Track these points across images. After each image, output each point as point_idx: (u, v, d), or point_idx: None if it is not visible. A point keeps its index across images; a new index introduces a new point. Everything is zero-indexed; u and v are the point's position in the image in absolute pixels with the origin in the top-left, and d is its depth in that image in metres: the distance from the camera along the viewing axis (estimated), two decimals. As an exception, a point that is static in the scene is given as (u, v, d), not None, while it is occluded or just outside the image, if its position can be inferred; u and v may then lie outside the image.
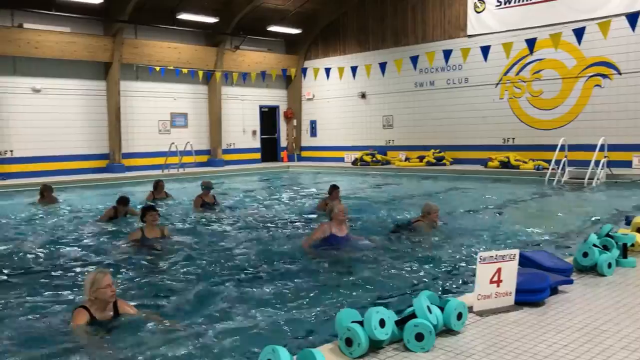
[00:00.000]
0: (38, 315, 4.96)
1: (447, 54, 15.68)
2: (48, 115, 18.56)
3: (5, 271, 6.60)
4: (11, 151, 17.97)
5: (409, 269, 6.22)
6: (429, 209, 8.12)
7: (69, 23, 18.59)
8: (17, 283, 6.04)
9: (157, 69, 20.20)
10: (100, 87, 19.80)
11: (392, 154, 21.90)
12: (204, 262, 6.72)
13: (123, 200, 9.96)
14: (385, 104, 22.42)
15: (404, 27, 21.58)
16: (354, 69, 18.89)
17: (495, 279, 4.11)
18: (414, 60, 16.38)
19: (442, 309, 3.72)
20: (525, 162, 17.58)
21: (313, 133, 25.25)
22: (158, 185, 12.78)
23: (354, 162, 21.77)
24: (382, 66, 17.58)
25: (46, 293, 5.67)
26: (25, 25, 17.66)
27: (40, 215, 11.03)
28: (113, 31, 19.29)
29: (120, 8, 18.89)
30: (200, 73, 21.10)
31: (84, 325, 4.39)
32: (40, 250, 7.76)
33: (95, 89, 19.69)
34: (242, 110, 24.08)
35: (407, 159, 20.95)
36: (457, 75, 20.16)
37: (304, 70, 22.14)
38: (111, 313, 4.59)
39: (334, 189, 10.49)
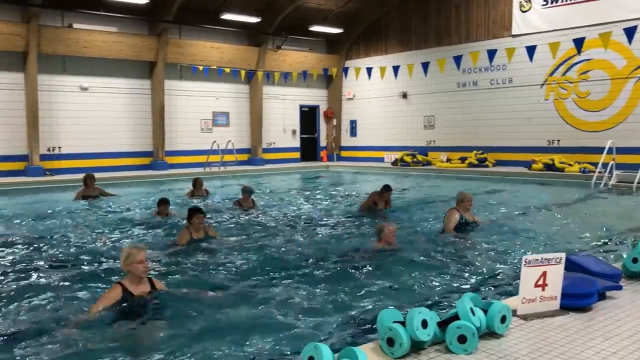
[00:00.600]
0: (76, 302, 5.14)
1: (492, 53, 15.44)
2: (95, 113, 19.05)
3: (50, 263, 6.79)
4: (59, 147, 18.52)
5: (451, 270, 6.15)
6: (463, 197, 8.15)
7: (116, 23, 19.05)
8: (60, 275, 6.20)
9: (201, 68, 20.50)
10: (145, 86, 20.22)
11: (433, 155, 21.69)
12: (247, 261, 6.77)
13: (163, 201, 10.15)
14: (427, 104, 22.21)
15: (447, 27, 21.35)
16: (395, 69, 18.79)
17: (541, 282, 4.04)
18: (457, 60, 16.20)
19: (485, 311, 3.67)
20: (571, 165, 17.15)
21: (353, 133, 25.21)
22: (197, 182, 12.96)
23: (394, 163, 21.64)
24: (425, 66, 17.43)
25: (88, 286, 5.82)
26: (75, 26, 18.18)
27: (87, 211, 11.32)
28: (158, 31, 19.67)
29: (165, 8, 19.26)
30: (243, 72, 21.32)
31: (115, 297, 4.56)
32: (85, 245, 7.98)
33: (141, 88, 20.12)
34: (282, 110, 24.23)
35: (448, 160, 20.70)
36: (500, 75, 19.83)
37: (345, 70, 22.13)
38: (148, 289, 4.76)
39: (386, 190, 10.35)
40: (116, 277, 5.65)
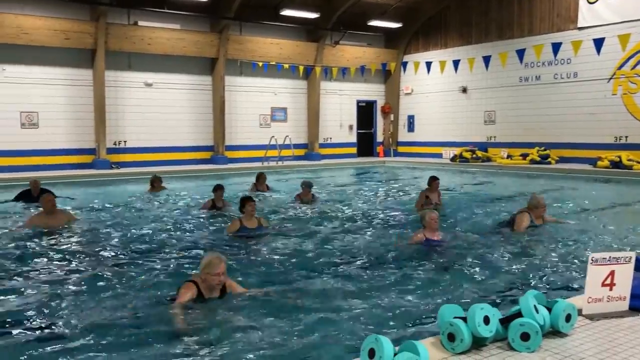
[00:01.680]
0: (143, 293, 5.29)
1: (556, 47, 15.00)
2: (158, 108, 19.63)
3: (116, 253, 7.06)
4: (125, 142, 19.19)
5: (512, 268, 6.04)
6: (537, 203, 7.78)
7: (179, 20, 19.54)
8: (125, 264, 6.46)
9: (260, 64, 20.78)
10: (207, 82, 20.67)
11: (493, 151, 21.24)
12: (303, 253, 6.85)
13: (219, 187, 10.34)
14: (488, 99, 21.76)
15: (509, 20, 20.82)
16: (456, 63, 18.51)
17: (608, 281, 3.91)
18: (520, 53, 15.80)
19: (549, 309, 3.59)
20: (639, 163, 16.45)
21: (410, 128, 24.98)
22: (260, 177, 13.14)
23: (453, 159, 21.32)
24: (487, 60, 17.09)
25: (151, 274, 6.03)
26: (140, 23, 18.76)
27: (149, 203, 11.71)
28: (219, 28, 20.06)
29: (226, 5, 19.62)
30: (301, 68, 21.47)
31: (189, 298, 4.62)
32: (148, 235, 8.26)
33: (202, 84, 20.59)
34: (339, 105, 24.27)
35: (509, 157, 20.23)
36: (565, 69, 19.19)
37: (404, 64, 21.94)
38: (218, 293, 4.81)
39: (433, 180, 10.32)
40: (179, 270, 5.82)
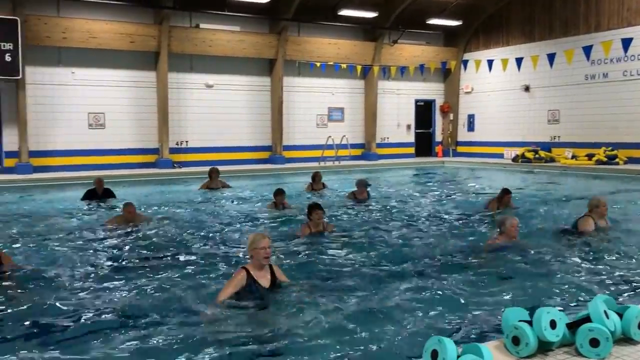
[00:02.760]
0: (199, 284, 5.46)
1: (627, 43, 14.39)
2: (218, 109, 20.03)
3: (175, 249, 7.25)
4: (186, 142, 19.68)
5: (579, 272, 5.84)
6: (597, 202, 7.55)
7: (239, 22, 19.88)
8: (184, 260, 6.65)
9: (318, 64, 20.87)
10: (265, 82, 20.93)
11: (557, 151, 20.57)
12: (364, 256, 6.78)
13: (280, 192, 10.46)
14: (551, 98, 21.10)
15: (574, 16, 20.13)
16: (518, 61, 18.04)
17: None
18: (587, 50, 15.23)
19: (620, 315, 3.45)
20: None
21: (470, 127, 24.51)
22: (316, 177, 13.21)
23: (515, 159, 20.78)
24: (551, 57, 16.57)
25: (209, 268, 6.19)
26: (201, 26, 19.20)
27: (210, 201, 11.97)
28: (278, 29, 20.28)
29: (285, 7, 19.81)
30: (359, 68, 21.43)
31: (238, 283, 4.85)
32: (209, 232, 8.44)
33: (261, 85, 20.86)
34: (397, 105, 24.08)
35: (574, 157, 19.55)
36: (635, 66, 18.38)
37: (465, 63, 21.54)
38: (269, 277, 5.01)
39: (505, 193, 9.91)
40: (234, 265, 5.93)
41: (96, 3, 17.62)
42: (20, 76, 16.24)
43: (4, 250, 6.41)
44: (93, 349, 4.02)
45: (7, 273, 5.84)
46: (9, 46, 15.86)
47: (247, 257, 5.14)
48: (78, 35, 17.22)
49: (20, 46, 16.00)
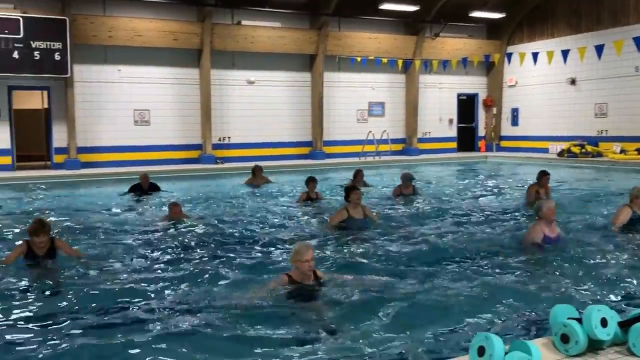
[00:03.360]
0: (240, 283, 5.52)
1: (679, 32, 13.83)
2: (260, 105, 20.18)
3: (220, 244, 7.37)
4: (229, 137, 19.91)
5: (628, 269, 5.67)
6: (638, 193, 7.37)
7: (279, 18, 19.97)
8: (227, 254, 6.74)
9: (358, 59, 20.78)
10: (306, 78, 20.98)
11: (604, 146, 19.97)
12: (406, 247, 6.80)
13: (311, 179, 10.54)
14: (599, 91, 20.49)
15: (623, 6, 19.48)
16: (564, 53, 17.59)
17: None
18: (637, 41, 14.72)
19: (675, 314, 3.34)
20: None
21: (514, 122, 24.04)
22: (358, 174, 13.18)
23: (560, 154, 20.28)
24: (599, 49, 16.10)
25: (250, 263, 6.27)
26: (243, 22, 19.37)
27: (252, 195, 12.11)
28: (318, 25, 20.29)
29: (326, 2, 19.81)
30: (400, 62, 21.26)
31: (280, 284, 4.86)
32: (250, 225, 8.56)
33: (301, 80, 20.93)
34: (439, 99, 23.79)
35: (622, 152, 18.94)
36: (689, 56, 17.68)
37: (509, 56, 21.10)
38: (312, 280, 4.99)
39: (543, 175, 9.84)
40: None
41: (141, 2, 17.99)
42: (69, 74, 16.72)
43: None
44: (135, 338, 4.11)
45: (62, 258, 6.10)
46: (58, 45, 16.33)
47: (291, 265, 5.10)
48: (123, 33, 17.61)
49: (68, 45, 16.46)
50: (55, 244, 6.15)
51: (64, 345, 4.02)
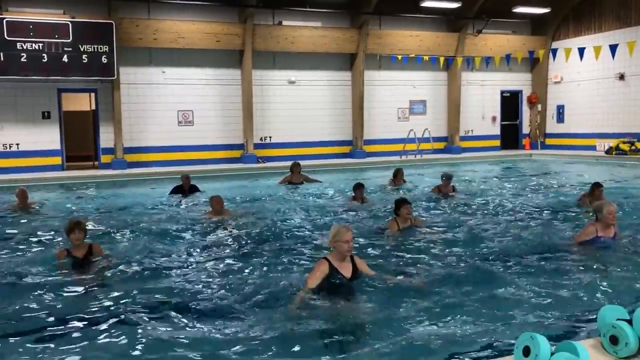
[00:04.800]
0: (279, 274, 5.62)
1: None
2: (300, 105, 20.28)
3: (256, 239, 7.49)
4: (270, 137, 20.08)
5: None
6: None
7: (320, 18, 20.02)
8: (264, 250, 6.84)
9: (399, 57, 20.64)
10: (346, 77, 20.97)
11: (655, 143, 19.33)
12: (453, 251, 6.71)
13: (359, 186, 10.51)
14: (649, 86, 19.83)
15: (676, -3, 18.81)
16: (613, 48, 17.07)
17: None
18: (690, 33, 14.16)
19: None
20: None
21: (560, 119, 23.47)
22: (398, 173, 13.11)
23: (608, 151, 19.72)
24: (649, 43, 15.57)
25: (289, 259, 6.35)
26: (284, 23, 19.50)
27: (289, 195, 12.17)
28: (359, 23, 20.25)
29: (366, 0, 19.76)
30: (441, 59, 21.04)
31: (320, 275, 4.90)
32: (290, 226, 8.60)
33: (342, 80, 20.93)
34: (481, 96, 23.42)
35: (674, 148, 18.31)
36: None
37: (554, 52, 20.62)
38: (350, 268, 5.03)
39: (596, 187, 9.46)
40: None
41: (184, 4, 18.31)
42: (115, 77, 17.15)
43: (96, 242, 6.83)
44: (177, 334, 4.20)
45: (98, 263, 6.24)
46: (105, 48, 16.77)
47: (330, 248, 5.18)
48: (167, 36, 17.96)
49: (115, 48, 16.89)
50: (93, 249, 6.35)
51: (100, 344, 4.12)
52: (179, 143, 18.86)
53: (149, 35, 17.80)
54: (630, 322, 3.12)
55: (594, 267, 5.69)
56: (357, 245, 6.87)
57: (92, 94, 18.21)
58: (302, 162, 14.86)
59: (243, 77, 19.22)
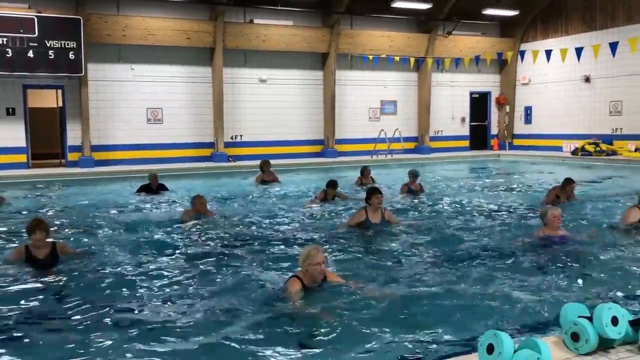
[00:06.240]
0: (255, 282, 5.50)
1: (695, 29, 13.66)
2: (271, 103, 20.22)
3: (229, 243, 7.38)
4: (241, 136, 19.97)
5: (637, 270, 5.62)
6: None
7: (291, 17, 19.99)
8: (239, 254, 6.72)
9: (371, 57, 20.75)
10: (318, 76, 20.98)
11: (619, 144, 19.79)
12: (413, 246, 6.79)
13: (332, 184, 10.51)
14: (613, 89, 20.31)
15: (639, 3, 19.26)
16: (578, 51, 17.43)
17: None
18: (652, 38, 14.55)
19: (687, 313, 3.32)
20: None
21: (527, 120, 23.88)
22: (365, 171, 13.19)
23: (574, 152, 20.13)
24: (613, 46, 15.96)
25: (263, 264, 6.25)
26: (255, 21, 19.41)
27: (262, 194, 12.12)
28: (331, 23, 20.28)
29: (338, 0, 19.80)
30: (412, 60, 21.21)
31: (297, 292, 4.78)
32: (261, 226, 8.54)
33: (313, 79, 20.93)
34: (451, 97, 23.69)
35: (637, 150, 18.77)
36: None
37: (522, 54, 20.97)
38: (320, 282, 4.92)
39: (568, 182, 9.64)
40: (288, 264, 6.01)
41: (154, 1, 18.08)
42: (83, 73, 16.85)
43: (61, 240, 6.68)
44: (141, 342, 4.09)
45: (65, 261, 6.09)
46: (72, 44, 16.46)
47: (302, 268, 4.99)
48: (137, 32, 17.71)
49: (82, 44, 16.59)
50: (57, 247, 6.16)
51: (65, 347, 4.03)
52: (148, 141, 18.63)
53: (118, 32, 17.54)
54: (590, 319, 3.20)
55: (556, 266, 5.79)
56: (325, 245, 6.91)
57: (59, 91, 17.85)
58: (274, 162, 14.82)
59: (214, 75, 19.08)
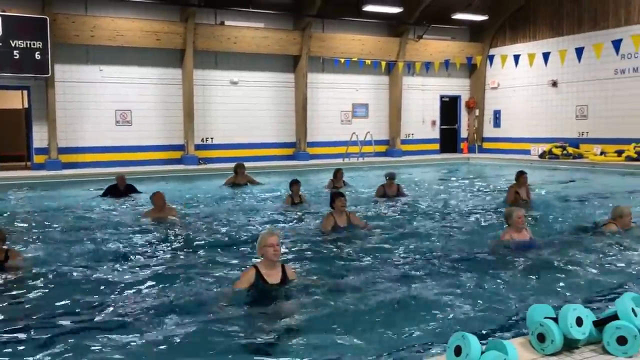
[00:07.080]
0: (212, 281, 5.49)
1: (657, 36, 14.05)
2: (243, 105, 20.11)
3: (198, 243, 7.34)
4: (212, 138, 19.82)
5: (606, 270, 5.75)
6: (621, 212, 7.32)
7: (263, 19, 19.94)
8: (204, 255, 6.71)
9: (342, 60, 20.82)
10: (289, 79, 20.96)
11: (585, 147, 20.21)
12: (387, 251, 6.78)
13: (295, 182, 10.54)
14: (579, 93, 20.74)
15: (604, 9, 19.73)
16: (546, 56, 17.76)
17: None
18: (617, 44, 14.94)
19: (649, 313, 3.38)
20: None
21: (496, 123, 24.23)
22: (337, 173, 13.20)
23: (542, 155, 20.50)
24: (579, 52, 16.29)
25: (229, 264, 6.23)
26: (226, 23, 19.30)
27: (232, 196, 12.05)
28: (302, 26, 20.28)
29: (309, 3, 19.82)
30: (383, 64, 21.33)
31: (247, 279, 4.86)
32: (228, 228, 8.50)
33: (285, 81, 20.90)
34: (422, 101, 23.90)
35: (602, 153, 19.20)
36: (667, 60, 17.95)
37: (491, 58, 21.27)
38: (279, 276, 4.98)
39: (521, 175, 9.99)
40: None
41: (123, 1, 17.83)
42: (50, 74, 16.51)
43: (14, 247, 6.49)
44: (94, 346, 4.01)
45: (14, 270, 5.88)
46: (38, 45, 16.13)
47: (259, 256, 5.08)
48: (105, 33, 17.44)
49: (49, 45, 16.27)
50: (9, 254, 5.97)
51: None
52: (117, 143, 18.35)
53: (86, 32, 17.25)
54: (556, 320, 3.23)
55: (522, 268, 5.87)
56: (294, 248, 6.89)
57: (25, 92, 17.47)
58: (245, 164, 14.74)
59: (184, 77, 18.91)
